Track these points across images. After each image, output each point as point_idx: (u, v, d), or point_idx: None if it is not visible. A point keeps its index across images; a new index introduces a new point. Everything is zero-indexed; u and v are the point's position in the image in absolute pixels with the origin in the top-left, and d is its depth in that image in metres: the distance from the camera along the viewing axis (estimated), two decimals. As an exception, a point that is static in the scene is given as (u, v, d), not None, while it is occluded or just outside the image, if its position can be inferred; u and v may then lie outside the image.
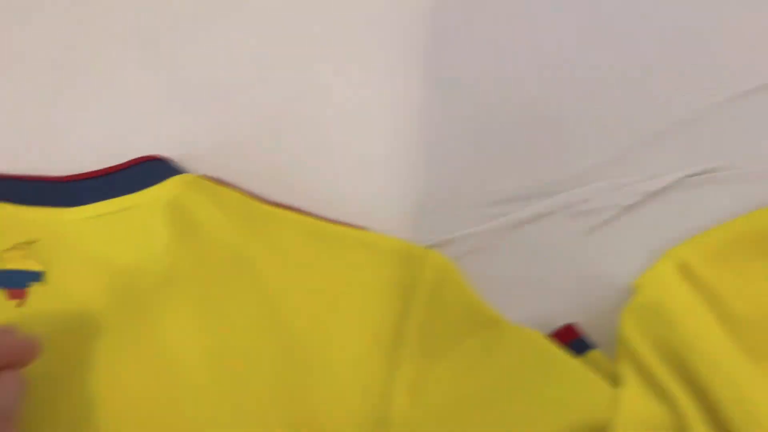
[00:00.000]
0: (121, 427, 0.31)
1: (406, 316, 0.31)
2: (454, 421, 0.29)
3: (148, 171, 0.35)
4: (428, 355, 0.31)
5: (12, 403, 0.26)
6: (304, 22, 0.40)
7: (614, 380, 0.29)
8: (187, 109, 0.39)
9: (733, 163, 0.35)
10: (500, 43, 0.39)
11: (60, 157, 0.37)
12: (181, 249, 0.33)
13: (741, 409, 0.27)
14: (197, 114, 0.39)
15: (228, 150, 0.38)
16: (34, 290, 0.33)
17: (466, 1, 0.39)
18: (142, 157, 0.35)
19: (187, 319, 0.32)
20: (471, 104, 0.37)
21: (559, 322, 0.32)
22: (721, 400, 0.27)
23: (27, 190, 0.35)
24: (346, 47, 0.39)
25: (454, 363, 0.31)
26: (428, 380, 0.30)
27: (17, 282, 0.33)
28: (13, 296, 0.33)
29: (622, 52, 0.38)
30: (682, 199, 0.35)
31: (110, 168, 0.35)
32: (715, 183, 0.35)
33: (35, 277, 0.33)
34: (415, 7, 0.39)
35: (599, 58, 0.38)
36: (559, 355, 0.30)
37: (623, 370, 0.30)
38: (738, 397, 0.27)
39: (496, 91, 0.38)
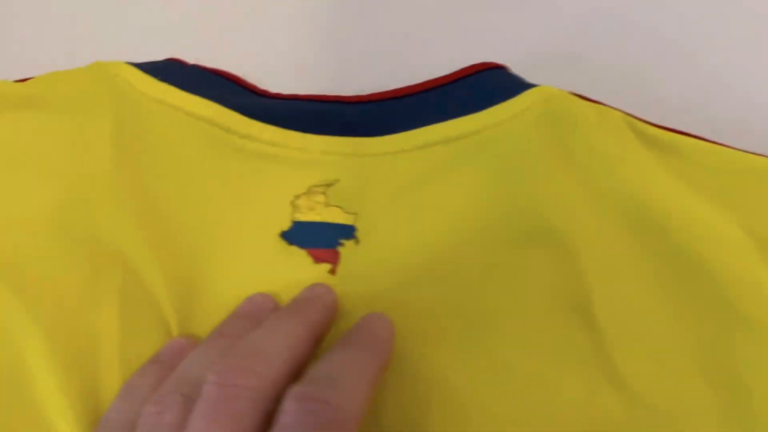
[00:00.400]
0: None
1: None
2: None
3: (491, 83, 0.24)
4: None
5: None
6: None
7: None
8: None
9: None
10: None
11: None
12: (565, 191, 0.22)
13: None
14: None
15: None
16: (346, 251, 0.23)
17: None
18: (475, 66, 0.25)
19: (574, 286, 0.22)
20: None
21: None
22: None
23: (314, 113, 0.25)
24: None
25: None
26: None
27: (325, 239, 0.23)
28: (321, 259, 0.23)
29: None
30: None
31: (428, 83, 0.25)
32: None
33: (347, 232, 0.23)
34: None
35: None
36: None
37: None
38: None
39: None
